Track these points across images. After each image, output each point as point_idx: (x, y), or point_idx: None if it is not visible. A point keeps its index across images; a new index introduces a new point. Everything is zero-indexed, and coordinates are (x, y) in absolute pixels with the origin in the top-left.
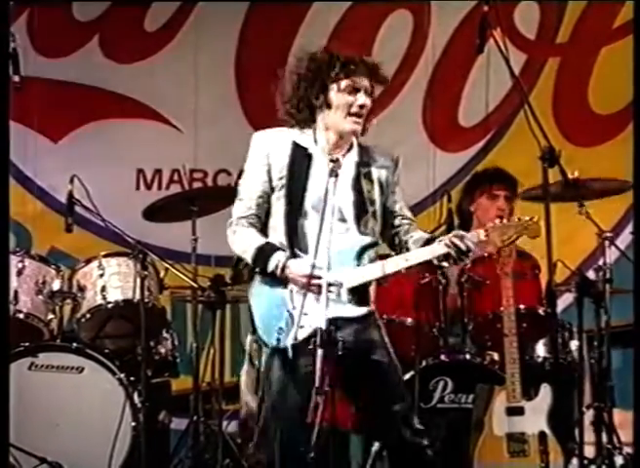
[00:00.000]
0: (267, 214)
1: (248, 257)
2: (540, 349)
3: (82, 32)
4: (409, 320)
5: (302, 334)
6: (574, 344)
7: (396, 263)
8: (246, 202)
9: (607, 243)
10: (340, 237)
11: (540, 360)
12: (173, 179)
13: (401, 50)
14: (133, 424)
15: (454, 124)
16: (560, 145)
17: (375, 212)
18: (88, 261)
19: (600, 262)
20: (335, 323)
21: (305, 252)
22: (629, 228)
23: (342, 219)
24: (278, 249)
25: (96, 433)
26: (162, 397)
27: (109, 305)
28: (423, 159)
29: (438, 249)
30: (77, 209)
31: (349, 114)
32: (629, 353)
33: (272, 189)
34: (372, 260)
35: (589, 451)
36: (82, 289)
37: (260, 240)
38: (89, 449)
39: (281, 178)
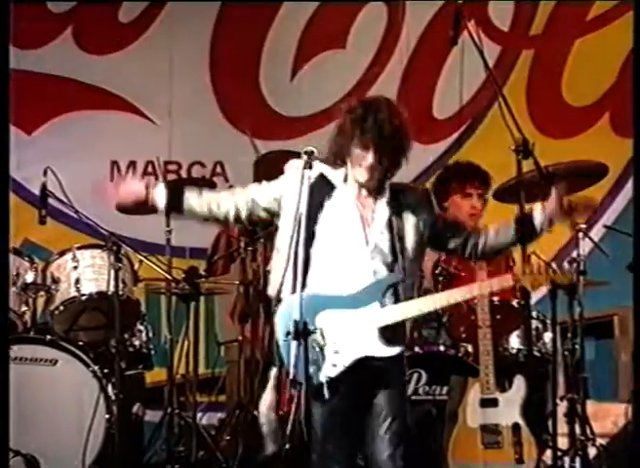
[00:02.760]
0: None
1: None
2: (514, 341)
3: (55, 24)
4: None
5: (335, 372)
6: (547, 336)
7: (432, 302)
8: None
9: (580, 235)
10: (371, 273)
11: (513, 351)
12: (147, 171)
13: (375, 42)
14: (107, 416)
15: (428, 116)
16: (534, 138)
17: (404, 249)
18: (62, 253)
19: (574, 254)
20: (365, 362)
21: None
22: (603, 220)
23: (378, 256)
24: None
25: (70, 425)
26: (136, 389)
27: (83, 297)
28: None
29: (469, 293)
30: (51, 201)
31: (360, 166)
32: (603, 344)
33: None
34: (397, 297)
35: (563, 443)
36: (56, 281)
37: None
38: (63, 442)
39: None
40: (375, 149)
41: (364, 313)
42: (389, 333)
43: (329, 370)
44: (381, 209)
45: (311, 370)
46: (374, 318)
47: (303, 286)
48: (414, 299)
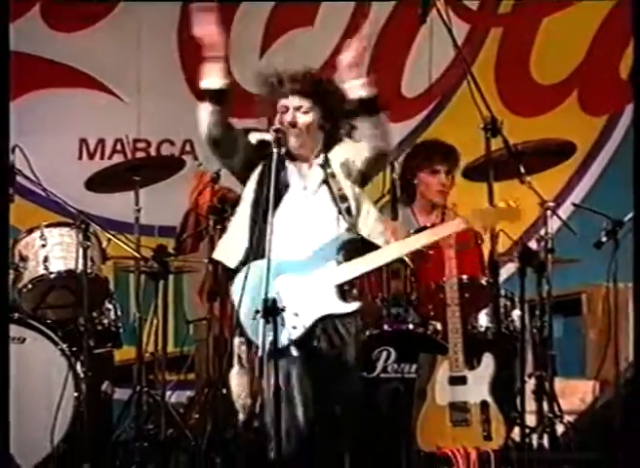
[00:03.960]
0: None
1: None
2: (483, 319)
3: (23, 1)
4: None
5: (296, 335)
6: (516, 314)
7: (382, 256)
8: None
9: (549, 213)
10: (322, 235)
11: (482, 329)
12: (116, 149)
13: (344, 20)
14: (75, 395)
15: (397, 94)
16: (502, 115)
17: (349, 207)
18: (30, 231)
19: (542, 232)
20: (326, 320)
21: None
22: (571, 198)
23: (323, 218)
24: None
25: (38, 403)
26: (105, 367)
27: (51, 275)
28: None
29: (424, 239)
30: (19, 179)
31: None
32: (570, 322)
33: None
34: (351, 255)
35: (531, 420)
36: (24, 259)
37: None
38: (31, 420)
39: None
40: (292, 90)
41: (321, 273)
42: (347, 289)
43: (291, 333)
44: (316, 173)
45: (271, 333)
46: (331, 276)
47: (262, 256)
48: (368, 253)
